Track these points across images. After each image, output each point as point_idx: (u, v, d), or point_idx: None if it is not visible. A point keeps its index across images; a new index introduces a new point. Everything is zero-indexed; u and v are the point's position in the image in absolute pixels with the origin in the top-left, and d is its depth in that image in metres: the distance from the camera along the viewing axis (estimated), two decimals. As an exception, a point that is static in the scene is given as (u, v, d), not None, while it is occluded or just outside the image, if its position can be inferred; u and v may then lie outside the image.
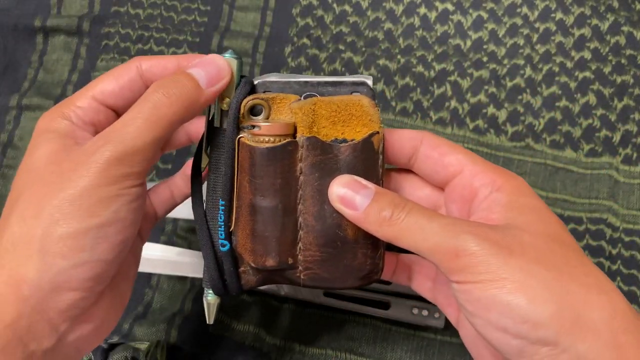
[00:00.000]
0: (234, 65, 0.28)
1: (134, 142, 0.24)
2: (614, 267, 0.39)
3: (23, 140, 0.46)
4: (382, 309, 0.38)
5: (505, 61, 0.44)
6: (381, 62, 0.45)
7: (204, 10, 0.48)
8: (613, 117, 0.43)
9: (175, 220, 0.42)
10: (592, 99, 0.43)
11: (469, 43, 0.45)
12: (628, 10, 0.45)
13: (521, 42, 0.45)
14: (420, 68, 0.45)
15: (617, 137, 0.42)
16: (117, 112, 0.28)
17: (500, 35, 0.45)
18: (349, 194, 0.26)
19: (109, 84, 0.28)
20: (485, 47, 0.45)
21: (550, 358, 0.22)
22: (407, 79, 0.45)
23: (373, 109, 0.28)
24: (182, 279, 0.40)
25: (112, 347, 0.38)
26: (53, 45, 0.48)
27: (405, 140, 0.29)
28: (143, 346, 0.38)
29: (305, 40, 0.46)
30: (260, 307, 0.39)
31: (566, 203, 0.41)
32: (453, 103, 0.44)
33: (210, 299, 0.29)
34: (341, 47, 0.46)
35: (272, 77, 0.29)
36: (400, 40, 0.46)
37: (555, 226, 0.26)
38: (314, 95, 0.28)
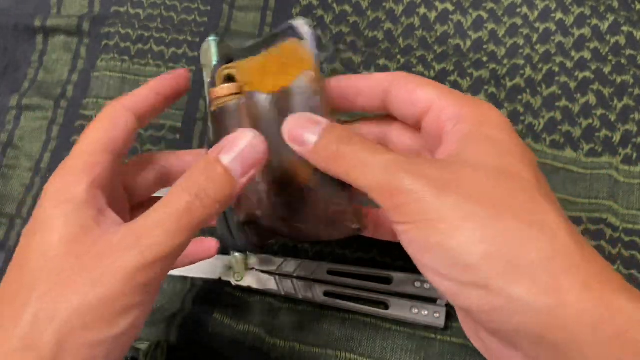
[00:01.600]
0: (213, 47, 0.29)
1: (165, 249, 0.23)
2: (614, 267, 0.39)
3: (23, 140, 0.46)
4: (382, 309, 0.38)
5: (505, 61, 0.44)
6: (381, 62, 0.45)
7: (204, 10, 0.48)
8: (613, 117, 0.43)
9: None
10: (592, 99, 0.43)
11: (469, 43, 0.45)
12: (628, 10, 0.45)
13: (521, 42, 0.45)
14: (420, 68, 0.45)
15: (617, 137, 0.42)
16: (117, 157, 0.27)
17: (500, 35, 0.45)
18: (299, 131, 0.26)
19: (118, 132, 0.27)
20: (485, 47, 0.45)
21: (483, 301, 0.21)
22: (407, 79, 0.45)
23: (303, 50, 0.28)
24: (182, 279, 0.40)
25: (112, 347, 0.38)
26: (53, 45, 0.48)
27: (375, 83, 0.28)
28: (143, 346, 0.38)
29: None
30: (260, 307, 0.39)
31: (566, 203, 0.41)
32: (453, 103, 0.44)
33: (236, 255, 0.31)
34: (341, 47, 0.46)
35: (245, 45, 0.30)
36: (400, 40, 0.46)
37: (513, 159, 0.23)
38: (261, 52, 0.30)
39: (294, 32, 0.29)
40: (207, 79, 0.31)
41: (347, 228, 0.29)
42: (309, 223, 0.29)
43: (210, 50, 0.30)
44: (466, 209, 0.22)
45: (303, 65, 0.28)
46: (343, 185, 0.27)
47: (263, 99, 0.28)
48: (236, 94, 0.28)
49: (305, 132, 0.25)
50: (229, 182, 0.24)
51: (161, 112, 0.30)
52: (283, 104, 0.28)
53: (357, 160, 0.24)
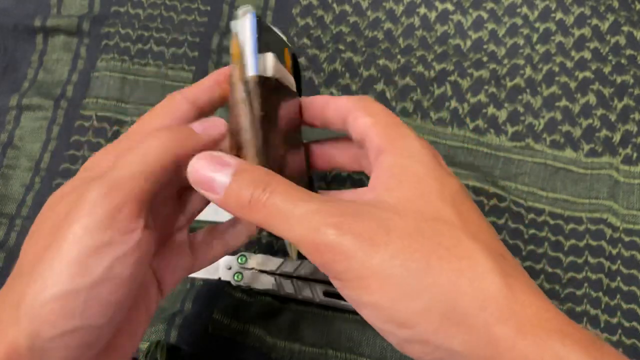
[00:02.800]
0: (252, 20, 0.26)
1: (122, 173, 0.22)
2: (614, 267, 0.39)
3: (23, 140, 0.46)
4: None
5: (505, 61, 0.44)
6: (381, 62, 0.45)
7: (204, 10, 0.48)
8: (613, 117, 0.43)
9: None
10: (592, 99, 0.43)
11: (469, 43, 0.45)
12: (628, 10, 0.45)
13: (521, 42, 0.45)
14: (420, 68, 0.45)
15: (617, 137, 0.42)
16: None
17: (500, 35, 0.45)
18: (206, 175, 0.23)
19: (175, 149, 0.24)
20: (485, 47, 0.45)
21: (425, 354, 0.21)
22: (407, 79, 0.45)
23: (234, 41, 0.26)
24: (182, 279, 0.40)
25: (112, 347, 0.38)
26: (53, 45, 0.48)
27: (338, 108, 0.28)
28: (143, 346, 0.38)
29: (305, 40, 0.46)
30: (260, 307, 0.39)
31: (566, 203, 0.41)
32: (453, 103, 0.44)
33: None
34: (341, 47, 0.46)
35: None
36: (400, 40, 0.46)
37: (430, 198, 0.23)
38: None
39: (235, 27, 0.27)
40: (247, 52, 0.27)
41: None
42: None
43: (248, 23, 0.26)
44: (396, 264, 0.21)
45: (236, 60, 0.26)
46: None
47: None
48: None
49: (214, 176, 0.23)
50: (186, 129, 0.25)
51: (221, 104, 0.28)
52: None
53: (276, 212, 0.22)
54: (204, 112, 0.27)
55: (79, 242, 0.21)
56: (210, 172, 0.23)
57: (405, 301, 0.21)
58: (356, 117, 0.27)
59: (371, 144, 0.26)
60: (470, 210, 0.24)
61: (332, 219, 0.21)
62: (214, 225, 0.31)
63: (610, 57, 0.44)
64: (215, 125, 0.26)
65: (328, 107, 0.29)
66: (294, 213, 0.22)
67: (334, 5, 0.47)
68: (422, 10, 0.46)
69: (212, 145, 0.25)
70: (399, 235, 0.21)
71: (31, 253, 0.22)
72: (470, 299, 0.21)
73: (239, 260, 0.39)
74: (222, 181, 0.22)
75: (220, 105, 0.29)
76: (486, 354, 0.20)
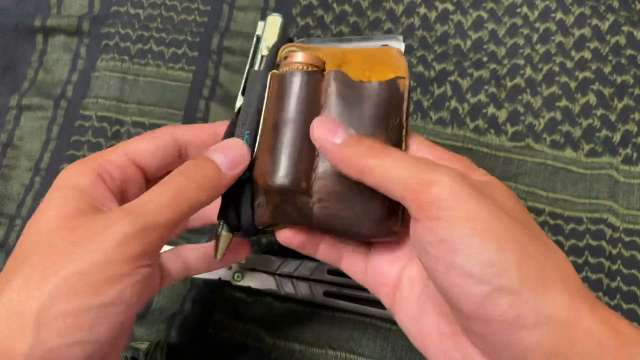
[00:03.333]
0: (278, 22, 0.31)
1: (155, 219, 0.24)
2: (614, 267, 0.39)
3: (23, 140, 0.46)
4: (382, 309, 0.38)
5: (505, 61, 0.44)
6: (381, 62, 0.45)
7: (204, 10, 0.48)
8: (613, 117, 0.43)
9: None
10: (592, 99, 0.43)
11: (469, 43, 0.45)
12: (628, 10, 0.45)
13: (521, 42, 0.45)
14: (420, 68, 0.45)
15: (617, 137, 0.42)
16: (146, 174, 0.29)
17: (500, 35, 0.45)
18: (327, 128, 0.26)
19: (143, 143, 0.28)
20: (485, 47, 0.45)
21: (512, 309, 0.21)
22: (407, 79, 0.45)
23: (401, 58, 0.29)
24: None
25: (112, 347, 0.38)
26: (53, 45, 0.48)
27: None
28: (143, 346, 0.38)
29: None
30: (260, 307, 0.39)
31: (566, 203, 0.41)
32: (453, 103, 0.44)
33: (224, 233, 0.29)
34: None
35: (312, 39, 0.32)
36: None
37: (518, 212, 0.25)
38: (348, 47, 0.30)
39: (393, 43, 0.30)
40: (261, 51, 0.31)
41: (389, 228, 0.28)
42: (356, 214, 0.27)
43: (278, 24, 0.31)
44: (501, 216, 0.22)
45: (400, 71, 0.28)
46: None
47: (352, 83, 0.28)
48: (315, 65, 0.28)
49: (337, 128, 0.26)
50: (216, 170, 0.26)
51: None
52: (372, 94, 0.28)
53: (389, 157, 0.24)
54: (182, 148, 0.30)
55: (99, 270, 0.23)
56: (332, 127, 0.26)
57: (508, 250, 0.21)
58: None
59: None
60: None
61: (442, 163, 0.24)
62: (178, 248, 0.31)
63: (610, 57, 0.44)
64: (239, 156, 0.28)
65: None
66: (407, 158, 0.24)
67: (334, 5, 0.47)
68: (422, 10, 0.46)
69: (235, 179, 0.27)
70: (500, 200, 0.23)
71: (36, 259, 0.23)
72: (557, 267, 0.22)
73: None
74: (341, 135, 0.25)
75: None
76: (568, 317, 0.21)
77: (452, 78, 0.44)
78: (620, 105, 0.43)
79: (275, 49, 0.30)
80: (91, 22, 0.48)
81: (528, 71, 0.44)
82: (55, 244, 0.23)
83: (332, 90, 0.28)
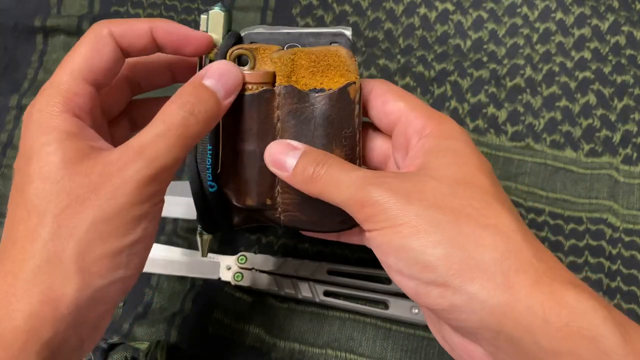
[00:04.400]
0: (222, 18, 0.29)
1: (167, 160, 0.25)
2: (614, 267, 0.39)
3: (23, 140, 0.46)
4: (382, 309, 0.38)
5: (505, 61, 0.44)
6: (381, 62, 0.45)
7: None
8: (613, 117, 0.43)
9: (175, 220, 0.42)
10: (592, 99, 0.43)
11: (469, 43, 0.45)
12: (628, 10, 0.45)
13: (521, 42, 0.45)
14: (420, 68, 0.45)
15: (617, 137, 0.42)
16: (98, 85, 0.27)
17: (500, 35, 0.45)
18: (280, 157, 0.27)
19: (95, 60, 0.26)
20: (485, 47, 0.45)
21: (443, 299, 0.23)
22: (407, 79, 0.45)
23: (350, 59, 0.29)
24: (182, 279, 0.40)
25: (112, 347, 0.38)
26: (53, 45, 0.48)
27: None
28: (143, 346, 0.38)
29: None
30: (260, 307, 0.39)
31: (566, 203, 0.41)
32: (453, 103, 0.44)
33: (204, 236, 0.31)
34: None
35: (259, 29, 0.30)
36: (400, 40, 0.46)
37: (471, 168, 0.26)
38: (296, 46, 0.30)
39: (341, 39, 0.30)
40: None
41: (352, 224, 0.29)
42: (318, 216, 0.29)
43: (221, 20, 0.29)
44: (427, 215, 0.24)
45: (349, 74, 0.28)
46: None
47: (303, 95, 0.28)
48: (265, 83, 0.29)
49: (286, 158, 0.27)
50: (215, 102, 0.26)
51: (153, 53, 0.29)
52: (324, 106, 0.28)
53: (331, 180, 0.26)
54: (133, 54, 0.28)
55: (124, 213, 0.24)
56: (283, 155, 0.27)
57: (432, 245, 0.23)
58: (385, 101, 0.29)
59: (410, 128, 0.28)
60: (500, 186, 0.26)
61: (374, 180, 0.25)
62: None
63: (610, 57, 0.44)
64: (234, 82, 0.27)
65: None
66: (345, 179, 0.26)
67: (334, 5, 0.47)
68: (422, 10, 0.46)
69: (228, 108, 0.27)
70: (432, 194, 0.24)
71: (58, 209, 0.23)
72: (492, 249, 0.23)
73: (239, 260, 0.39)
74: (291, 162, 0.27)
75: (152, 52, 0.28)
76: (503, 300, 0.22)
77: (452, 78, 0.44)
78: (620, 105, 0.43)
79: (222, 55, 0.28)
80: (91, 22, 0.48)
81: (528, 71, 0.44)
82: (73, 191, 0.24)
83: (283, 107, 0.29)
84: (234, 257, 0.40)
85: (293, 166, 0.27)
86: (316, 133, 0.28)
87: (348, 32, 0.30)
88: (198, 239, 0.32)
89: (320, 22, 0.46)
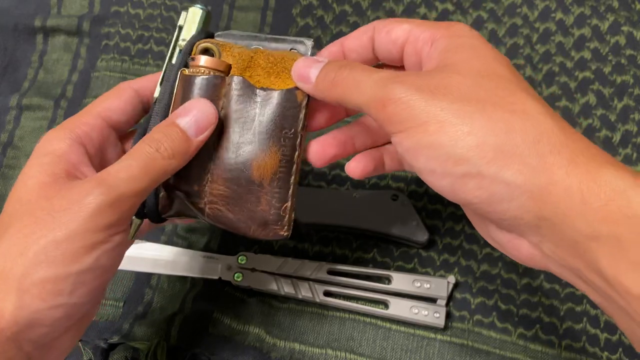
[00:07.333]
0: (199, 15, 0.31)
1: (127, 189, 0.25)
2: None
3: (23, 140, 0.46)
4: (382, 309, 0.38)
5: (505, 61, 0.44)
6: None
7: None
8: (613, 117, 0.43)
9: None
10: (592, 99, 0.43)
11: (469, 43, 0.45)
12: (628, 10, 0.45)
13: (521, 42, 0.45)
14: (420, 68, 0.45)
15: (617, 137, 0.42)
16: (118, 131, 0.30)
17: (500, 35, 0.45)
18: (305, 70, 0.28)
19: (112, 101, 0.30)
20: (485, 47, 0.45)
21: (480, 190, 0.23)
22: (407, 79, 0.45)
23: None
24: (182, 279, 0.40)
25: (112, 347, 0.38)
26: (53, 45, 0.48)
27: (360, 36, 0.30)
28: (143, 346, 0.38)
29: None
30: (260, 307, 0.39)
31: (566, 203, 0.41)
32: (453, 103, 0.44)
33: (134, 219, 0.30)
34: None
35: (232, 32, 0.32)
36: (400, 40, 0.46)
37: (490, 61, 0.25)
38: (259, 48, 0.31)
39: (302, 47, 0.31)
40: (179, 42, 0.31)
41: (275, 232, 0.30)
42: (244, 216, 0.30)
43: (198, 17, 0.31)
44: (453, 108, 0.23)
45: None
46: (291, 192, 0.30)
47: (252, 89, 0.29)
48: (218, 70, 0.29)
49: (310, 69, 0.28)
50: (184, 139, 0.27)
51: None
52: (269, 102, 0.29)
53: (352, 82, 0.26)
54: (146, 101, 0.31)
55: (75, 239, 0.24)
56: (308, 68, 0.28)
57: (462, 137, 0.23)
58: (389, 30, 0.28)
59: (420, 41, 0.27)
60: (521, 76, 0.26)
61: (397, 79, 0.25)
62: None
63: (610, 57, 0.44)
64: (206, 118, 0.28)
65: (346, 45, 0.30)
66: (366, 79, 0.25)
67: (334, 5, 0.47)
68: (422, 10, 0.46)
69: (203, 143, 0.28)
70: (457, 87, 0.24)
71: (17, 228, 0.24)
72: (524, 133, 0.22)
73: (239, 260, 0.39)
74: (314, 73, 0.28)
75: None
76: (540, 182, 0.21)
77: (452, 78, 0.44)
78: (620, 105, 0.43)
79: (190, 45, 0.30)
80: (91, 22, 0.48)
81: (528, 71, 0.44)
82: (34, 213, 0.25)
83: (231, 95, 0.29)
84: (234, 257, 0.40)
85: (315, 76, 0.27)
86: (257, 127, 0.29)
87: (309, 42, 0.31)
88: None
89: (320, 22, 0.46)
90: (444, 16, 0.46)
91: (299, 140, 0.29)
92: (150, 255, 0.40)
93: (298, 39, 0.31)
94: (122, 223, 0.26)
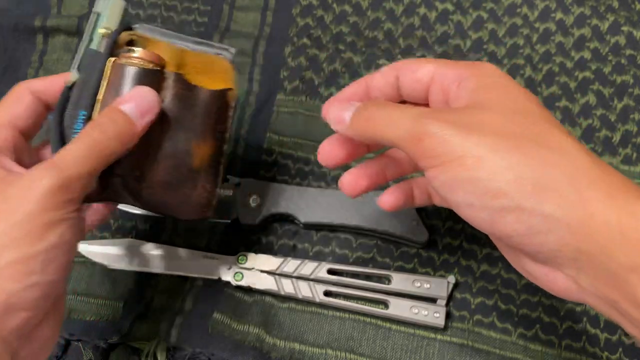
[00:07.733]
0: (121, 7, 0.32)
1: (75, 170, 0.27)
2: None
3: (23, 140, 0.46)
4: (382, 309, 0.38)
5: (505, 61, 0.44)
6: (381, 62, 0.45)
7: (204, 10, 0.48)
8: (613, 117, 0.43)
9: (175, 220, 0.42)
10: (591, 99, 0.43)
11: (469, 43, 0.45)
12: (628, 10, 0.45)
13: (521, 42, 0.45)
14: (420, 68, 0.45)
15: (617, 137, 0.42)
16: (25, 135, 0.31)
17: (500, 35, 0.45)
18: (341, 113, 0.29)
19: (13, 108, 0.31)
20: (485, 47, 0.45)
21: (519, 224, 0.23)
22: (407, 79, 0.45)
23: (232, 71, 0.34)
24: (182, 278, 0.40)
25: (112, 347, 0.38)
26: (53, 45, 0.48)
27: (386, 75, 0.30)
28: (143, 346, 0.38)
29: (305, 40, 0.46)
30: (260, 307, 0.39)
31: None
32: (453, 103, 0.44)
33: None
34: (341, 47, 0.46)
35: (153, 26, 0.33)
36: (400, 40, 0.46)
37: (521, 99, 0.26)
38: (185, 48, 0.34)
39: (227, 54, 0.34)
40: (98, 29, 0.32)
41: (204, 213, 0.33)
42: (178, 200, 0.32)
43: (119, 9, 0.32)
44: (489, 143, 0.23)
45: (230, 83, 0.33)
46: (220, 178, 0.33)
47: (190, 86, 0.31)
48: (155, 63, 0.31)
49: (344, 112, 0.29)
50: (128, 122, 0.29)
51: None
52: (206, 99, 0.32)
53: (388, 118, 0.26)
54: (51, 105, 0.32)
55: (34, 218, 0.25)
56: (342, 110, 0.29)
57: (500, 171, 0.23)
58: (415, 69, 0.29)
59: (446, 80, 0.28)
60: (552, 114, 0.26)
61: (431, 115, 0.25)
62: None
63: (610, 57, 0.44)
64: (148, 104, 0.30)
65: (371, 85, 0.31)
66: (401, 115, 0.26)
67: (334, 5, 0.47)
68: (422, 10, 0.46)
69: (148, 127, 0.30)
70: (491, 123, 0.24)
71: None
72: (561, 168, 0.23)
73: (239, 260, 0.39)
74: (349, 114, 0.28)
75: None
76: (579, 215, 0.22)
77: (452, 78, 0.44)
78: (620, 105, 0.43)
79: (116, 34, 0.31)
80: (91, 22, 0.48)
81: (528, 71, 0.44)
82: None
83: (171, 90, 0.31)
84: (234, 257, 0.40)
85: (351, 116, 0.28)
86: (196, 120, 0.32)
87: (232, 50, 0.34)
88: None
89: (320, 22, 0.46)
90: (444, 16, 0.46)
91: (227, 134, 0.34)
92: (150, 255, 0.40)
93: (223, 46, 0.34)
94: (74, 202, 0.27)
